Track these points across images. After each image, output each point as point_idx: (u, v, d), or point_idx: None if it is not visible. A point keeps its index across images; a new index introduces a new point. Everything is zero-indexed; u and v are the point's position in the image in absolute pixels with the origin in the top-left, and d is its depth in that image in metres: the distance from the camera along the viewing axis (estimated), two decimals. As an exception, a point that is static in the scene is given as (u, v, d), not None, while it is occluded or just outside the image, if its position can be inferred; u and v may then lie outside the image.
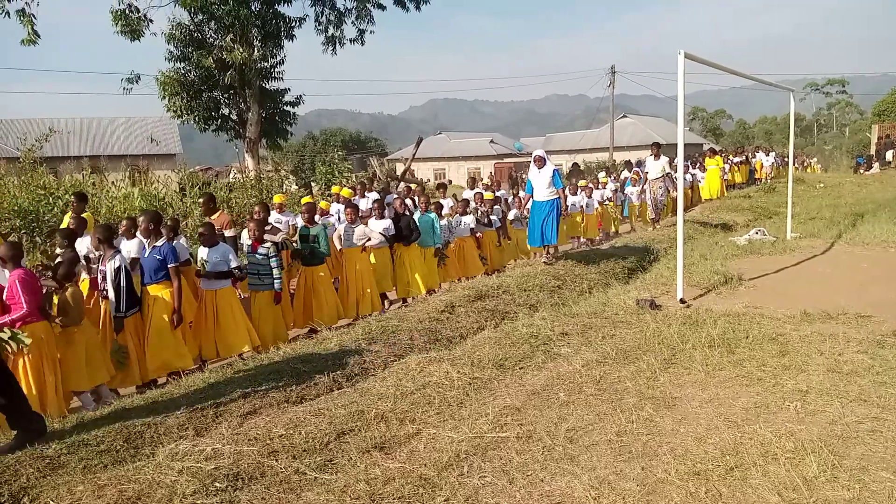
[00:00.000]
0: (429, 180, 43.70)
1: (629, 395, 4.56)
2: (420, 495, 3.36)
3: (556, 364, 5.40)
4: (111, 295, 6.40)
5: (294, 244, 8.41)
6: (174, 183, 16.71)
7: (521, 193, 12.37)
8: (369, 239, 8.90)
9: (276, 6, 21.21)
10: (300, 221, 8.90)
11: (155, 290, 6.78)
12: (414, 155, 24.90)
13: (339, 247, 9.16)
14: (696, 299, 7.36)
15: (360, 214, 9.57)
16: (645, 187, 14.60)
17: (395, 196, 10.73)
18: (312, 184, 19.46)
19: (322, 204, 11.11)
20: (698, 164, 21.39)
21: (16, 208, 10.33)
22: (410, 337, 6.66)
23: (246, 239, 8.00)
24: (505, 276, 9.58)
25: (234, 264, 7.13)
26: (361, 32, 22.67)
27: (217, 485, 3.50)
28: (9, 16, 13.90)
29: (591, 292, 8.54)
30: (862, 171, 35.42)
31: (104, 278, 6.51)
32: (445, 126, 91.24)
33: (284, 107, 23.56)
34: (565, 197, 9.74)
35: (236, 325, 7.14)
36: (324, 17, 22.30)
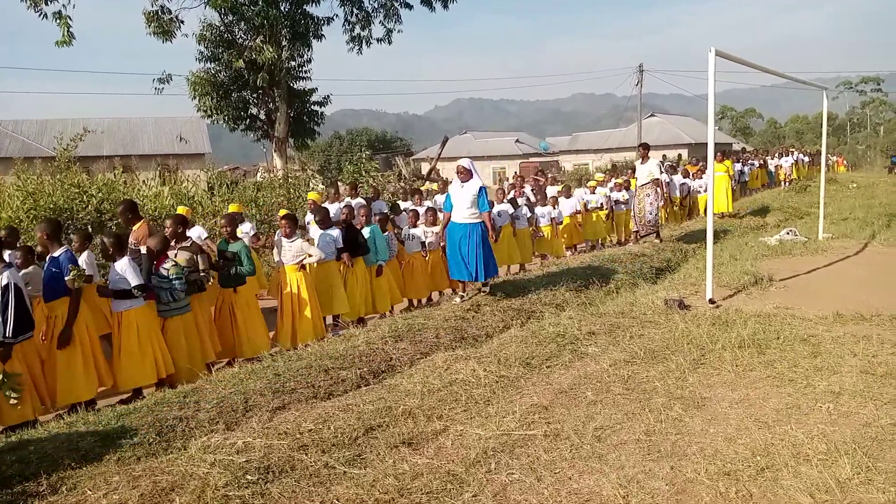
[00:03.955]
0: (453, 180, 43.76)
1: (658, 395, 4.53)
2: (448, 491, 3.38)
3: (583, 363, 5.38)
4: None
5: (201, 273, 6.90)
6: (203, 182, 16.97)
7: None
8: (308, 255, 7.51)
9: (305, 6, 21.43)
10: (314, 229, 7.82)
11: (58, 307, 5.87)
12: (439, 154, 24.96)
13: (276, 261, 7.94)
14: (725, 300, 7.29)
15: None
16: (633, 194, 12.81)
17: (344, 205, 9.25)
18: (339, 183, 19.59)
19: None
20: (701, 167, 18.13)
21: (51, 206, 10.56)
22: (436, 335, 6.68)
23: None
24: (530, 275, 9.57)
25: (133, 282, 5.99)
26: (389, 32, 22.81)
27: (249, 477, 3.55)
28: (46, 17, 14.22)
29: (618, 292, 8.49)
30: (897, 171, 34.69)
31: None
32: (470, 125, 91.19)
33: (312, 106, 23.80)
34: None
35: (130, 356, 6.06)
36: (353, 17, 22.48)
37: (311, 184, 19.41)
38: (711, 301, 7.12)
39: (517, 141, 60.08)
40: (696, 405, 4.34)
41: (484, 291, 8.04)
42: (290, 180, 17.61)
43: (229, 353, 7.24)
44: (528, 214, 11.90)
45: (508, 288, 8.47)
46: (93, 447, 4.18)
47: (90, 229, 10.50)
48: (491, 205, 8.21)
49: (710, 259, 7.27)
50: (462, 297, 7.88)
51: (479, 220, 7.54)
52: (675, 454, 3.65)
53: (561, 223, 12.79)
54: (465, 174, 7.57)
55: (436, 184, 16.56)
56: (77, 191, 11.22)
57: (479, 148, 58.69)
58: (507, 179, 19.37)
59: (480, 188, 7.50)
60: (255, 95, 22.68)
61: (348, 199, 10.73)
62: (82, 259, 6.50)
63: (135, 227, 7.13)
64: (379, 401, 4.73)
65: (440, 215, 9.27)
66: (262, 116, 23.09)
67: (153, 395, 5.23)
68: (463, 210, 7.53)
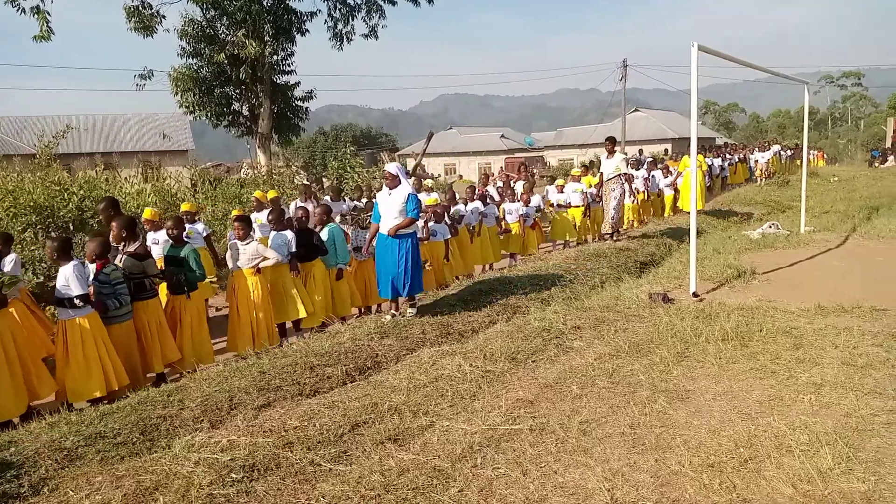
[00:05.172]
0: (439, 175, 43.77)
1: (642, 388, 4.56)
2: (434, 486, 3.38)
3: (568, 357, 5.40)
4: None
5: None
6: (186, 179, 16.82)
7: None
8: (264, 258, 7.14)
9: (288, 1, 21.28)
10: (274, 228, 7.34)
11: None
12: (425, 150, 24.95)
13: (230, 266, 7.39)
14: (709, 293, 7.34)
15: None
16: (601, 191, 11.93)
17: (298, 206, 8.69)
18: (324, 179, 19.51)
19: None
20: (665, 165, 17.57)
21: (31, 204, 10.42)
22: (422, 331, 6.68)
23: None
24: (516, 270, 9.59)
25: (75, 291, 5.62)
26: (373, 28, 22.71)
27: (233, 476, 3.53)
28: (24, 12, 14.00)
29: (603, 286, 8.53)
30: (877, 165, 35.15)
31: None
32: (456, 121, 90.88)
33: (296, 102, 23.65)
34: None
35: (77, 367, 5.67)
36: (336, 12, 22.35)
37: (295, 180, 19.31)
38: (695, 294, 7.16)
39: (502, 136, 60.18)
40: (681, 398, 4.37)
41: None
42: (274, 176, 17.50)
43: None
44: (496, 213, 11.45)
45: (494, 284, 8.48)
46: (75, 447, 4.14)
47: (72, 228, 10.40)
48: (446, 217, 7.52)
49: (694, 253, 7.31)
50: (394, 314, 7.11)
51: (408, 232, 6.95)
52: (660, 447, 3.68)
53: (531, 220, 12.12)
54: (392, 180, 6.91)
55: (429, 180, 16.39)
56: (58, 188, 11.07)
57: (464, 143, 58.76)
58: (492, 175, 19.09)
59: (409, 195, 6.85)
60: (237, 91, 22.52)
61: (326, 198, 10.62)
62: (6, 262, 6.14)
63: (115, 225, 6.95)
64: (365, 397, 4.72)
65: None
66: (246, 112, 22.93)
67: (136, 395, 5.18)
68: (390, 220, 6.87)
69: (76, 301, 5.64)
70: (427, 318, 7.06)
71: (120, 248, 6.36)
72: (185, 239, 7.07)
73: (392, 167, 7.09)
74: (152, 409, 4.77)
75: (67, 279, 5.66)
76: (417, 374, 5.14)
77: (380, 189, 7.53)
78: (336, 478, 3.53)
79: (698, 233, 7.96)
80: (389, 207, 6.88)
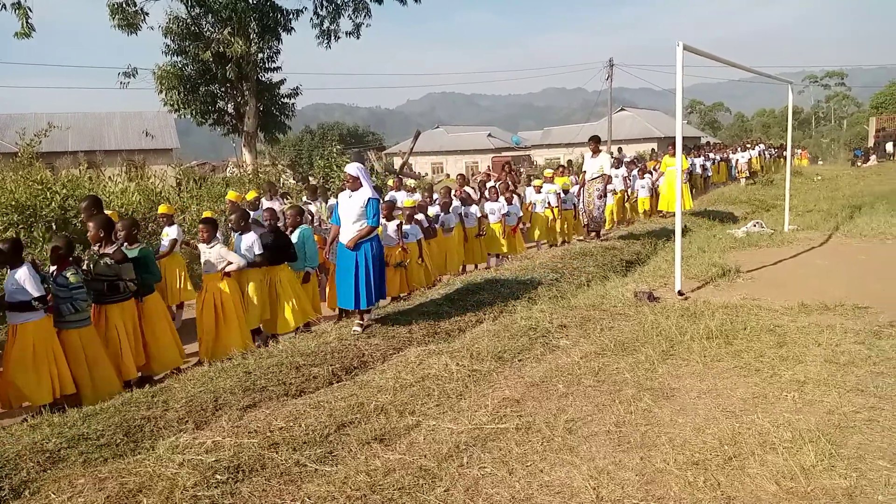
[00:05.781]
0: (426, 174, 43.75)
1: (628, 387, 4.58)
2: (420, 486, 3.38)
3: (554, 356, 5.42)
4: None
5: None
6: (171, 178, 16.68)
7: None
8: (229, 262, 6.83)
9: (274, -2, 21.18)
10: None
11: None
12: (412, 149, 24.91)
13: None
14: (694, 291, 7.38)
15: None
16: (581, 190, 11.58)
17: (265, 208, 8.22)
18: (310, 178, 19.43)
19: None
20: (643, 166, 17.37)
21: (13, 203, 10.28)
22: (409, 330, 6.67)
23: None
24: (502, 270, 9.60)
25: (33, 293, 5.40)
26: (357, 26, 22.64)
27: (218, 477, 3.51)
28: (5, 8, 13.85)
29: (589, 285, 8.55)
30: (859, 164, 35.54)
31: None
32: (443, 120, 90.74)
33: (282, 99, 23.55)
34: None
35: (24, 372, 5.44)
36: (323, 10, 22.26)
37: (281, 179, 19.22)
38: (680, 293, 7.21)
39: (489, 135, 60.24)
40: (666, 396, 4.39)
41: (360, 324, 6.65)
42: (260, 175, 17.41)
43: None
44: (477, 213, 11.12)
45: (481, 283, 8.48)
46: (58, 449, 4.09)
47: (54, 227, 10.28)
48: (422, 218, 7.35)
49: (679, 252, 7.35)
50: (360, 323, 6.66)
51: (368, 238, 6.45)
52: (645, 445, 3.70)
53: (514, 219, 11.61)
54: (353, 182, 6.43)
55: (411, 180, 16.27)
56: (40, 187, 10.93)
57: (451, 142, 58.77)
58: (479, 172, 19.04)
59: (369, 199, 6.36)
60: (223, 89, 22.38)
61: (311, 200, 10.49)
62: None
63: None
64: (351, 397, 4.70)
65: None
66: (231, 110, 22.79)
67: (119, 396, 5.13)
68: (349, 224, 6.41)
69: (34, 303, 5.42)
70: (414, 317, 7.05)
71: (96, 248, 6.21)
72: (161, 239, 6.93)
73: (353, 168, 6.58)
74: (136, 410, 4.73)
75: (23, 281, 5.44)
76: (404, 374, 5.14)
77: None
78: (322, 478, 3.51)
79: (683, 232, 8.00)
80: (349, 212, 6.43)
